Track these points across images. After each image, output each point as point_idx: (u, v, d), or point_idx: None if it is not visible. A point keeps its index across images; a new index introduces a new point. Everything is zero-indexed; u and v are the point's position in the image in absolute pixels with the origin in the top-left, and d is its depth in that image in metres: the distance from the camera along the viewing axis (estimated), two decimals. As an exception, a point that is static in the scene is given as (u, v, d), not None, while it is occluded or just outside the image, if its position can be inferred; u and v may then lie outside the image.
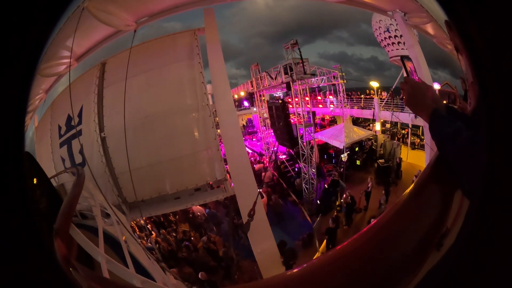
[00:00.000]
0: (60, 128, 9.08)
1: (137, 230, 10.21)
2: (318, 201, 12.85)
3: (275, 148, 16.63)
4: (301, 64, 12.90)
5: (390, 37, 16.52)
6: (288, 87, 13.58)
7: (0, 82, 0.86)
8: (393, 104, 15.55)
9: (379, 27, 16.97)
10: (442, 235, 1.28)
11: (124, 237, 4.44)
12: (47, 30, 0.94)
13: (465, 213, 1.22)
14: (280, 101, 14.95)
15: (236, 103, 21.83)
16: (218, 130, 9.33)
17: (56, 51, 7.95)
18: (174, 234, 11.01)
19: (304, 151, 13.51)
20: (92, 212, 4.35)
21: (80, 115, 8.94)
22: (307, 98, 14.36)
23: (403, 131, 17.23)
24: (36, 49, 0.93)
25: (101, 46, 9.32)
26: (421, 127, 14.97)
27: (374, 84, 17.21)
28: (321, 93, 20.89)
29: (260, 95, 18.50)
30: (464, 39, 0.88)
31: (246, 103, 23.10)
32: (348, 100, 18.06)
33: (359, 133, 15.78)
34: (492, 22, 0.81)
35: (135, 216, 9.03)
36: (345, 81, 16.71)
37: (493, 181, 0.91)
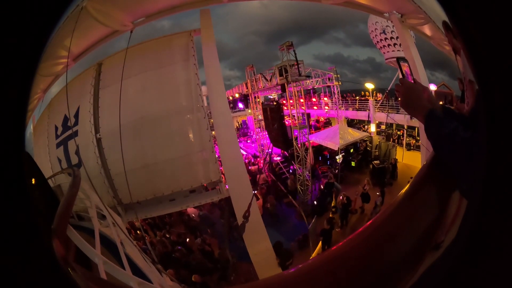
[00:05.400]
0: (56, 128, 9.03)
1: (133, 232, 10.16)
2: (315, 202, 12.85)
3: (270, 150, 16.62)
4: (296, 66, 12.94)
5: (386, 38, 16.54)
6: (283, 89, 13.60)
7: (1, 82, 0.86)
8: (388, 106, 15.60)
9: (375, 29, 16.99)
10: (440, 235, 1.29)
11: (120, 238, 4.43)
12: (48, 29, 0.94)
13: (464, 213, 1.23)
14: (274, 103, 14.94)
15: (231, 105, 21.75)
16: (213, 132, 9.33)
17: (54, 51, 7.89)
18: (167, 235, 10.97)
19: (298, 153, 13.53)
20: (88, 214, 4.34)
21: (76, 115, 8.91)
22: (301, 100, 14.41)
23: (398, 132, 17.27)
24: (37, 48, 0.93)
25: (98, 46, 9.27)
26: (416, 128, 14.99)
27: (369, 85, 17.23)
28: (315, 95, 20.93)
29: (255, 97, 18.52)
30: (464, 39, 0.89)
31: (240, 105, 23.04)
32: (343, 102, 18.10)
33: (354, 134, 15.83)
34: (492, 22, 0.82)
35: (130, 218, 8.99)
36: (340, 83, 16.75)
37: (492, 181, 0.91)
